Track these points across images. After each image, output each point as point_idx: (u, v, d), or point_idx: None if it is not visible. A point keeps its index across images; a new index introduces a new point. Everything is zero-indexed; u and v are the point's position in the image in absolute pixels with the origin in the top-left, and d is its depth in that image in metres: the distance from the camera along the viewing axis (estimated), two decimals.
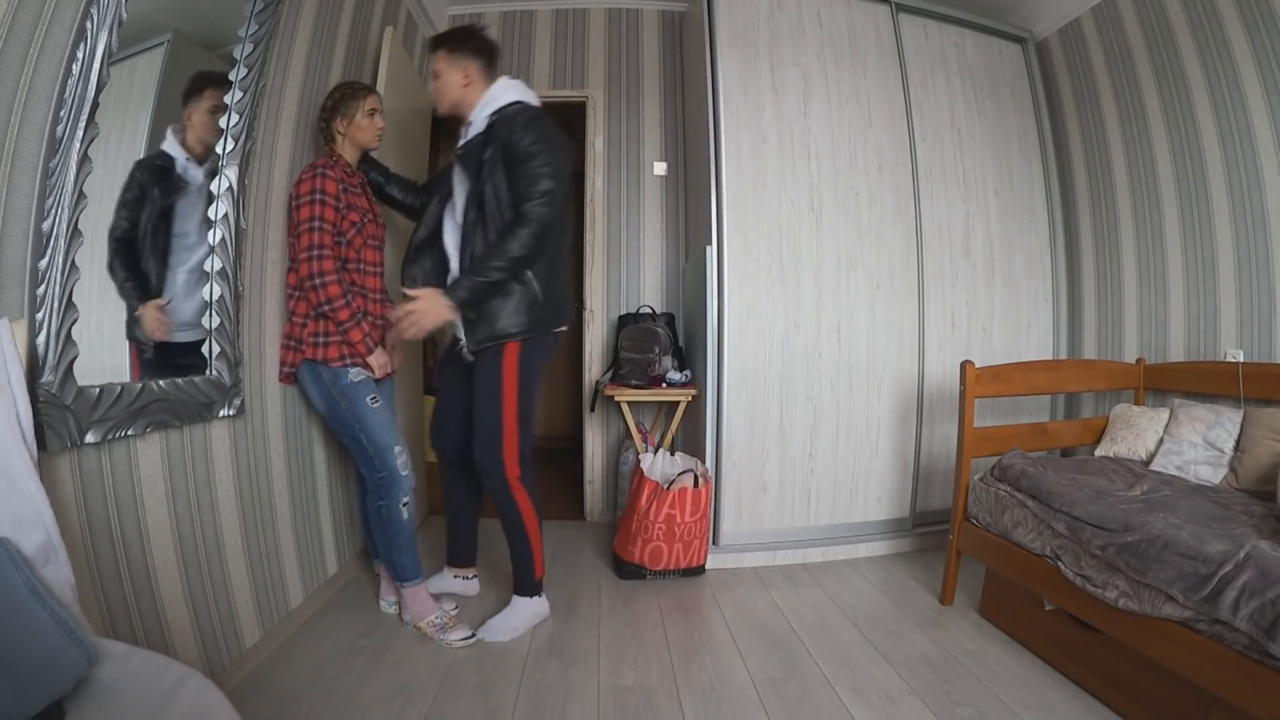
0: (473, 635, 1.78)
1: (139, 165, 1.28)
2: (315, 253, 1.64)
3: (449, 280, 1.76)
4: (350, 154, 1.83)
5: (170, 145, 1.36)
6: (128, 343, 1.30)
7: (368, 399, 1.74)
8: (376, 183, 1.94)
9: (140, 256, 1.31)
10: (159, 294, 1.37)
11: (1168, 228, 2.35)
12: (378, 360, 1.76)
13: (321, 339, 1.70)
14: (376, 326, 1.80)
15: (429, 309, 1.62)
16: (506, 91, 1.73)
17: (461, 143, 1.78)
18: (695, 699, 1.51)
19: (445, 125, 4.16)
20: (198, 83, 1.44)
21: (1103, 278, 2.64)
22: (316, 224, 1.64)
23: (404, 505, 1.78)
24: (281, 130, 1.78)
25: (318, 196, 1.65)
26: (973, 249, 2.63)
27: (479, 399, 1.75)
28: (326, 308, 1.66)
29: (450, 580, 2.05)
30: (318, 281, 1.64)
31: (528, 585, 1.84)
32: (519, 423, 1.73)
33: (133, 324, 1.31)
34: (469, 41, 1.76)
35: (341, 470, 2.16)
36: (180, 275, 1.42)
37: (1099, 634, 1.49)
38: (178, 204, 1.40)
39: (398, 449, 1.76)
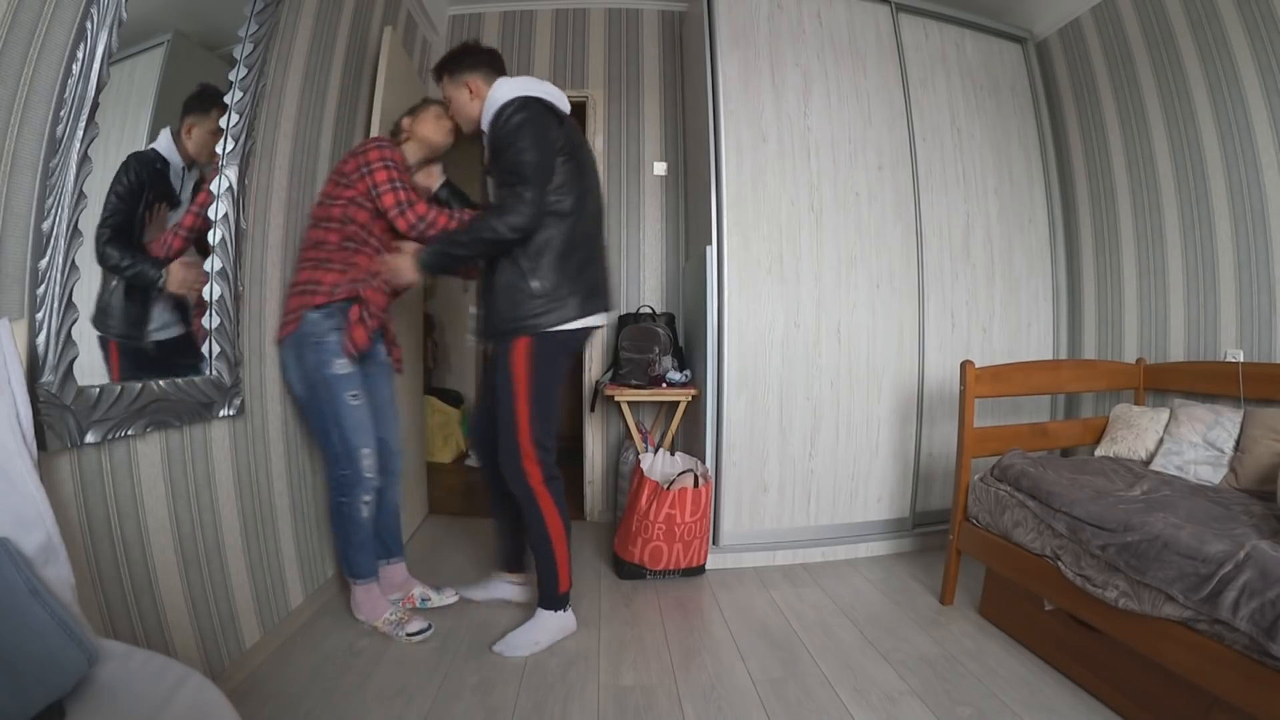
0: (429, 628, 1.78)
1: (135, 158, 1.25)
2: (406, 204, 1.74)
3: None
4: (413, 153, 1.91)
5: (166, 149, 1.33)
6: (104, 340, 1.23)
7: (348, 394, 1.73)
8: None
9: (140, 237, 1.29)
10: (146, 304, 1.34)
11: (1168, 228, 2.35)
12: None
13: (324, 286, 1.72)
14: (371, 317, 1.78)
15: (398, 266, 1.68)
16: (502, 92, 1.69)
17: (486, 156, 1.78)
18: (695, 699, 1.51)
19: None
20: (205, 98, 1.43)
21: (1103, 278, 2.64)
22: (398, 183, 1.74)
23: (364, 503, 1.78)
24: (281, 130, 1.78)
25: (389, 163, 1.74)
26: (973, 248, 2.63)
27: (498, 403, 1.70)
28: (434, 230, 1.74)
29: (503, 586, 2.01)
30: (423, 226, 1.74)
31: (552, 598, 1.76)
32: (532, 423, 1.67)
33: (104, 318, 1.22)
34: (464, 59, 1.77)
35: None
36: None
37: (1099, 634, 1.49)
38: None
39: (366, 450, 1.76)
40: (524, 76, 1.74)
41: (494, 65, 1.78)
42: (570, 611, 1.81)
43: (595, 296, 1.72)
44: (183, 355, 1.44)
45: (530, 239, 1.62)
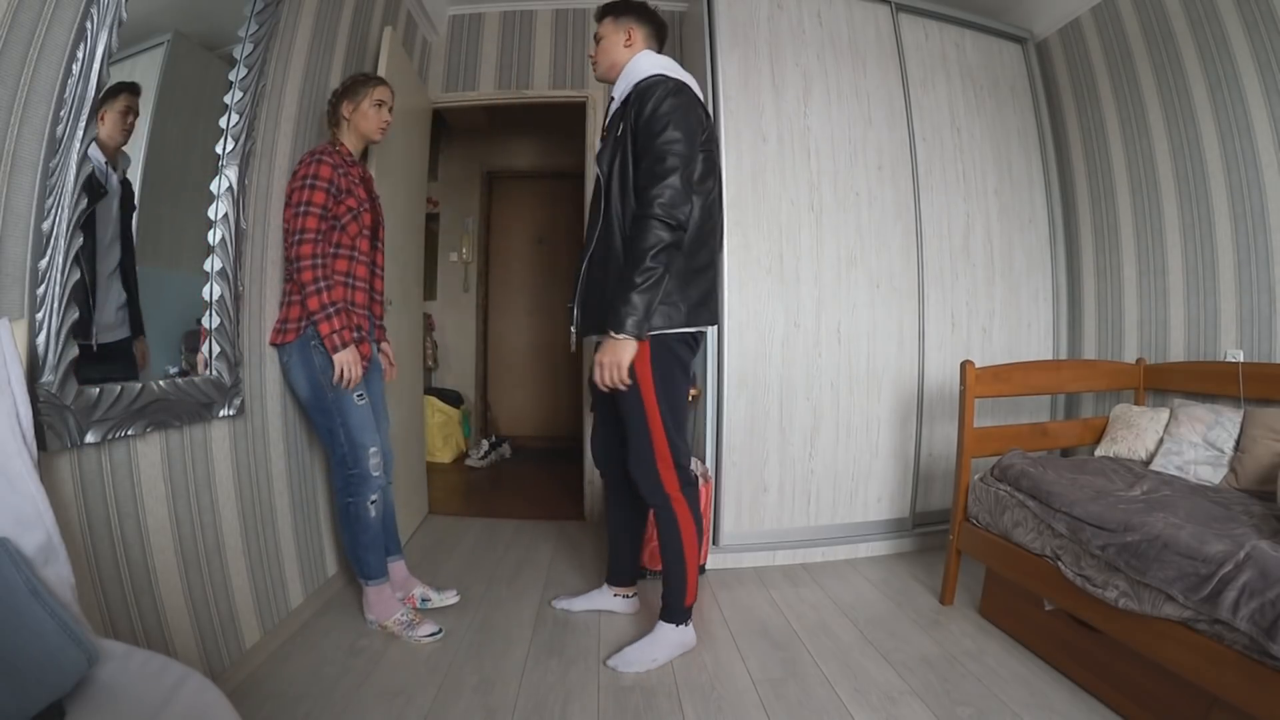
0: (439, 631, 1.78)
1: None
2: (296, 237, 1.64)
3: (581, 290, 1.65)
4: (353, 143, 1.84)
5: (92, 152, 1.25)
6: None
7: (355, 395, 1.73)
8: None
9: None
10: (92, 300, 1.25)
11: (1168, 227, 2.35)
12: (344, 358, 1.66)
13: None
14: (353, 316, 1.75)
15: (610, 352, 1.47)
16: (650, 64, 1.59)
17: (605, 121, 1.68)
18: (695, 699, 1.51)
19: (445, 126, 4.17)
20: (113, 89, 1.33)
21: (1103, 277, 2.65)
22: (303, 208, 1.64)
23: (371, 503, 1.78)
24: (281, 130, 1.78)
25: (309, 181, 1.66)
26: (972, 248, 2.63)
27: (623, 411, 1.61)
28: (300, 291, 1.65)
29: (610, 598, 1.95)
30: (295, 265, 1.64)
31: (676, 611, 1.67)
32: (666, 429, 1.58)
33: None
34: (635, 8, 1.69)
35: None
36: (101, 279, 1.31)
37: (1099, 634, 1.49)
38: (98, 209, 1.29)
39: (373, 449, 1.76)
40: (668, 59, 1.64)
41: (659, 32, 1.70)
42: (691, 626, 1.71)
43: (702, 307, 1.60)
44: (122, 362, 1.35)
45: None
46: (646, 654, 1.65)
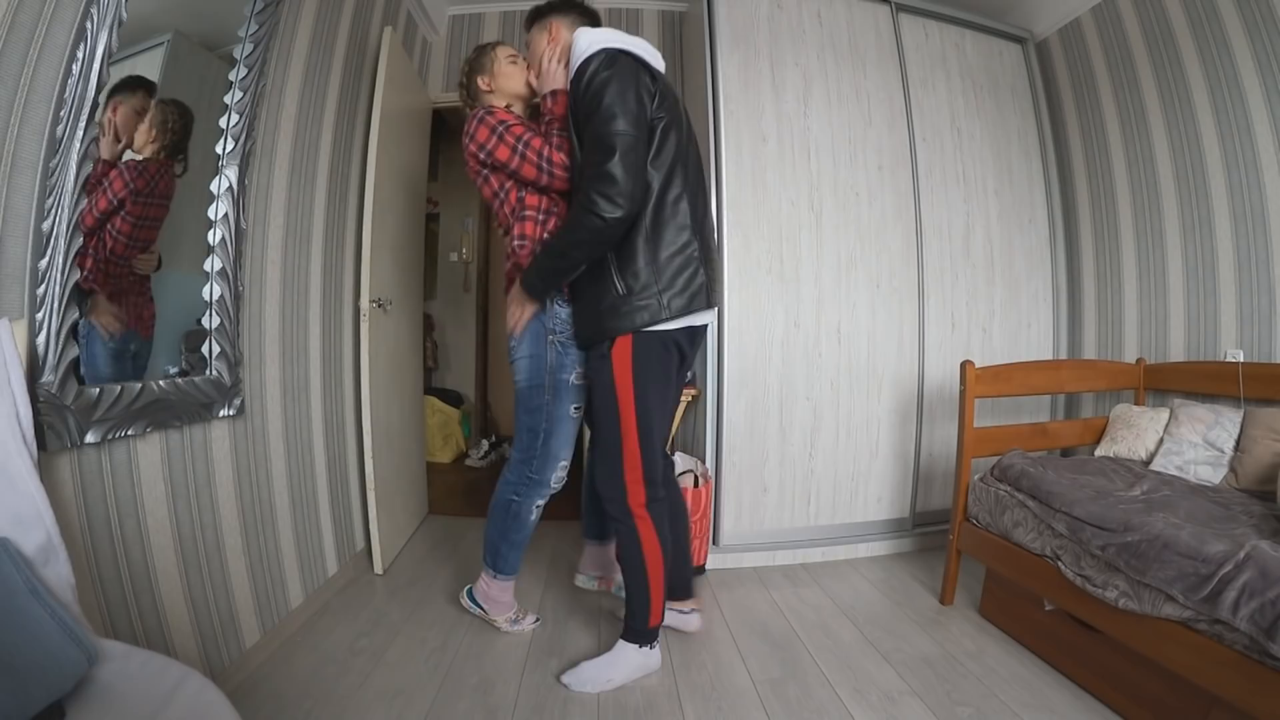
0: (538, 619, 1.87)
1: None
2: (543, 156, 1.54)
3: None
4: (516, 109, 1.75)
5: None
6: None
7: (573, 405, 1.67)
8: None
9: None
10: None
11: (1168, 228, 2.35)
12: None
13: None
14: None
15: (512, 301, 1.57)
16: (587, 40, 1.43)
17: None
18: (695, 699, 1.51)
19: (445, 125, 4.17)
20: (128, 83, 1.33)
21: (1103, 278, 2.65)
22: (521, 141, 1.55)
23: (537, 507, 1.77)
24: (281, 130, 1.78)
25: (500, 125, 1.57)
26: (973, 249, 2.63)
27: (594, 412, 1.55)
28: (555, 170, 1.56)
29: (669, 614, 1.77)
30: (545, 166, 1.55)
31: (637, 631, 1.56)
32: (640, 436, 1.47)
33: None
34: (550, 6, 1.62)
35: (341, 470, 2.16)
36: None
37: (1099, 634, 1.49)
38: None
39: (564, 464, 1.72)
40: (607, 29, 1.50)
41: (584, 13, 1.61)
42: (657, 649, 1.61)
43: (690, 294, 1.45)
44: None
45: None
46: (603, 673, 1.55)
